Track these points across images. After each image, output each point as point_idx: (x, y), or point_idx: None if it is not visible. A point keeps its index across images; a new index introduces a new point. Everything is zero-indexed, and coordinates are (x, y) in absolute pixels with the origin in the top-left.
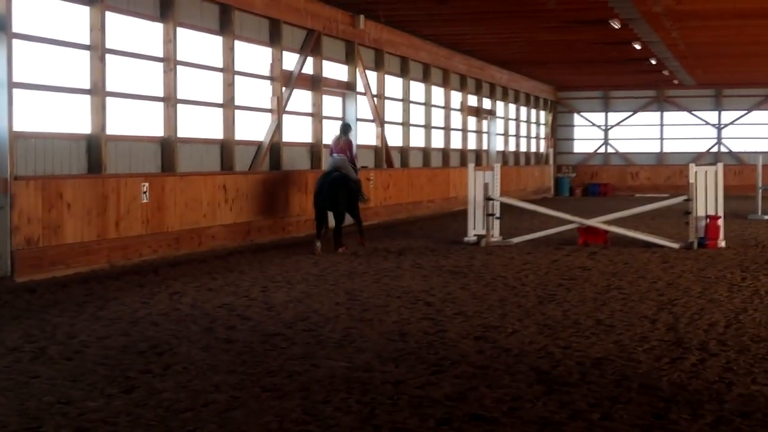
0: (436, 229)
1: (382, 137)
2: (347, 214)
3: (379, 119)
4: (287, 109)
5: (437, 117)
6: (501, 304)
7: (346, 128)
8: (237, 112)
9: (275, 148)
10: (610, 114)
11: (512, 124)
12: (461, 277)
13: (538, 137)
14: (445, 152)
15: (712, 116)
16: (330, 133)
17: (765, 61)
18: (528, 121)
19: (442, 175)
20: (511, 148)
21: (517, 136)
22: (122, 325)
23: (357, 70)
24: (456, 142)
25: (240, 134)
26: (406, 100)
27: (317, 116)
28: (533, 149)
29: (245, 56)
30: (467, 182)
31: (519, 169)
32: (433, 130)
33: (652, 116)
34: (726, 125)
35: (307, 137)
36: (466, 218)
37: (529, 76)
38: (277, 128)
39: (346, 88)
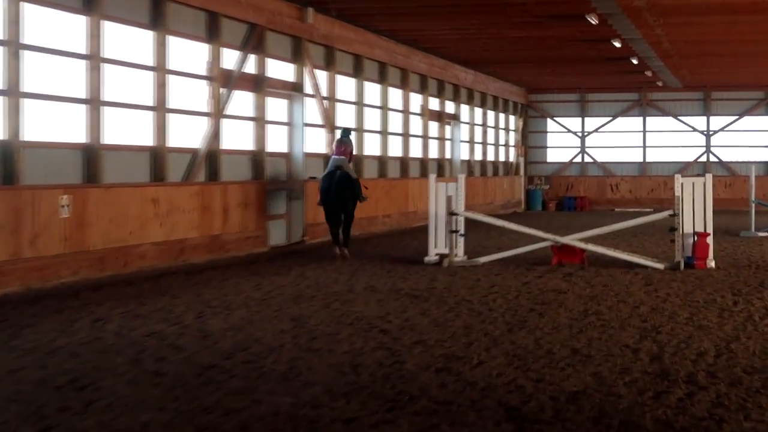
0: (393, 248)
1: (332, 143)
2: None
3: (330, 124)
4: (227, 112)
5: (395, 122)
6: (466, 332)
7: (346, 133)
8: (170, 115)
9: (213, 156)
10: (587, 119)
11: (478, 130)
12: (421, 302)
13: (507, 145)
14: (404, 161)
15: (700, 122)
16: (274, 139)
17: (758, 61)
18: (496, 127)
19: (400, 186)
20: (477, 156)
21: (484, 143)
22: (38, 356)
23: (305, 69)
24: (416, 150)
25: (173, 141)
26: (359, 103)
27: (260, 121)
28: (502, 158)
29: (179, 53)
30: (428, 195)
31: (486, 180)
32: (390, 136)
33: (634, 122)
34: (715, 132)
35: (249, 144)
36: (427, 235)
37: (497, 76)
38: (215, 134)
39: (293, 90)
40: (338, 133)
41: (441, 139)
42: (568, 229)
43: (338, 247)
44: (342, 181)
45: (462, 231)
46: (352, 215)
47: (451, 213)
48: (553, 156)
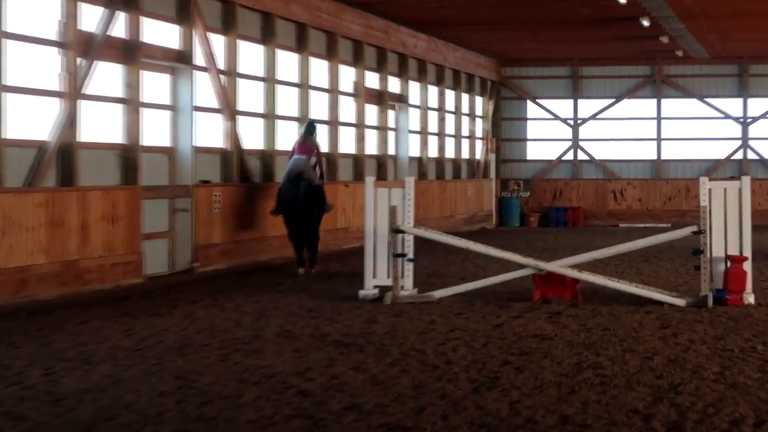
0: (315, 278)
1: (233, 136)
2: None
3: (229, 108)
4: (86, 91)
5: (318, 105)
6: (416, 393)
7: (311, 128)
8: (7, 96)
9: (67, 151)
10: (581, 102)
11: (433, 117)
12: (355, 352)
13: (472, 137)
14: (331, 160)
15: (734, 106)
16: (152, 128)
17: None
18: (457, 113)
19: (329, 195)
20: (432, 152)
21: (441, 134)
22: None
23: (195, 33)
24: (347, 144)
25: (12, 131)
26: (270, 80)
27: (133, 103)
28: (465, 155)
29: (18, 11)
30: (364, 206)
31: (444, 185)
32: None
33: (645, 106)
34: (755, 119)
35: (117, 135)
36: (362, 261)
37: (459, 43)
38: (70, 121)
39: (178, 61)
40: (302, 128)
41: (382, 128)
42: (555, 251)
43: (302, 267)
44: (310, 194)
45: (411, 255)
46: (317, 228)
47: (395, 230)
48: (536, 152)
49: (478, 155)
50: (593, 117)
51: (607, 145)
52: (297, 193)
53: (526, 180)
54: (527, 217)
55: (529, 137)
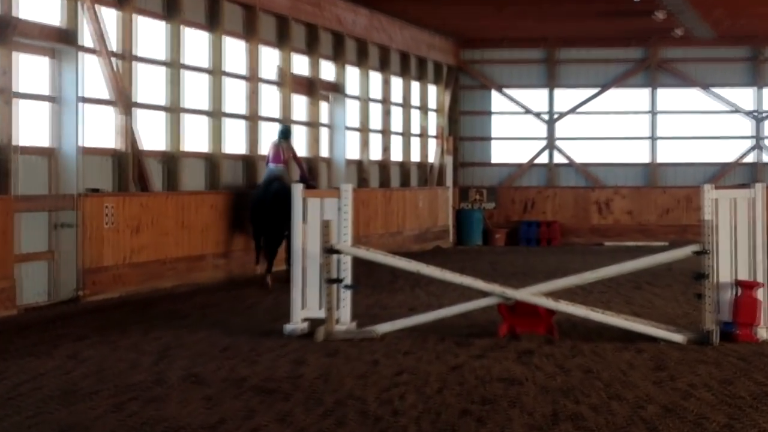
0: (231, 309)
1: (128, 132)
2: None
3: (123, 98)
4: None
5: (235, 95)
6: None
7: (286, 132)
8: None
9: None
10: (558, 92)
11: (376, 111)
12: (279, 400)
13: (424, 135)
14: (249, 162)
15: (745, 97)
16: (29, 124)
17: None
18: (406, 105)
19: (243, 205)
20: (375, 154)
21: (386, 132)
22: None
23: (81, 6)
24: (269, 144)
25: None
26: (174, 64)
27: (4, 93)
28: (416, 158)
29: None
30: (291, 219)
31: (390, 194)
32: (226, 119)
33: (637, 97)
34: None
35: None
36: (288, 288)
37: (409, 20)
38: None
39: (60, 41)
40: (275, 135)
41: (313, 125)
42: (526, 276)
43: (269, 276)
44: (279, 195)
45: (348, 280)
46: (282, 237)
47: (329, 250)
48: (502, 154)
49: (432, 158)
50: (572, 111)
51: (590, 146)
52: (266, 193)
53: (491, 188)
54: (492, 233)
55: (494, 135)
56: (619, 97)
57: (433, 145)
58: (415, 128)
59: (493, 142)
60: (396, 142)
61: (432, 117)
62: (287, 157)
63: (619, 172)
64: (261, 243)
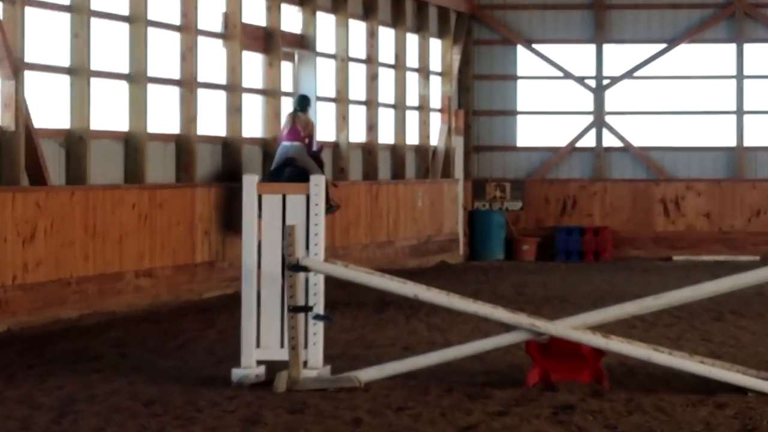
0: (159, 348)
1: (18, 105)
2: None
3: (10, 58)
4: None
5: (164, 54)
6: None
7: (303, 102)
8: None
9: None
10: (608, 49)
11: (358, 74)
12: None
13: (425, 108)
14: (185, 144)
15: None
16: None
17: None
18: (400, 67)
19: (176, 203)
20: (357, 134)
21: (371, 103)
22: None
23: None
24: (212, 119)
25: None
26: (80, 9)
27: None
28: (413, 139)
29: None
30: (242, 223)
31: (377, 188)
32: (151, 86)
33: (718, 55)
34: None
35: None
36: (238, 319)
37: None
38: None
39: None
40: (288, 104)
41: (271, 93)
42: (565, 303)
43: None
44: (293, 179)
45: (320, 308)
46: None
47: (294, 267)
48: (532, 134)
49: (435, 140)
50: (629, 75)
51: (653, 123)
52: (277, 180)
53: (516, 182)
54: (517, 244)
55: (520, 109)
56: (692, 55)
57: (436, 121)
58: (412, 99)
59: (519, 118)
60: (386, 118)
61: (435, 83)
62: (306, 133)
63: (693, 160)
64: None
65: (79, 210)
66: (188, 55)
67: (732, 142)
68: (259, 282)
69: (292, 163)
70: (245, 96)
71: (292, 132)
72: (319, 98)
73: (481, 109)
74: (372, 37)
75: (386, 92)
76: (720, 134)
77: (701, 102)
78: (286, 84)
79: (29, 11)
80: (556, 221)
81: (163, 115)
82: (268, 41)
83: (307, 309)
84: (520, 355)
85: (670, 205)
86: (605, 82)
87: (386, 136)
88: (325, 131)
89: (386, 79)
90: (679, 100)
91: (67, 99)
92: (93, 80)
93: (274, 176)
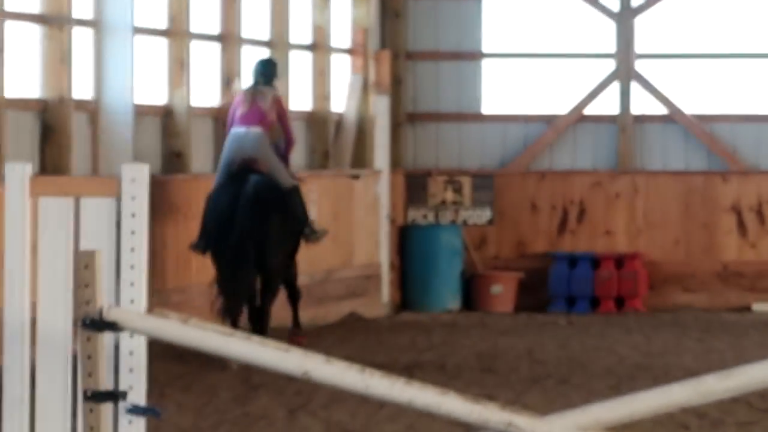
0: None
1: None
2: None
3: None
4: None
5: None
6: None
7: (268, 69)
8: None
9: None
10: None
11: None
12: None
13: (321, 47)
14: None
15: None
16: None
17: None
18: None
19: None
20: (202, 96)
21: (231, 39)
22: None
23: None
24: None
25: None
26: None
27: None
28: (302, 103)
29: None
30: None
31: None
32: None
33: None
34: None
35: None
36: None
37: None
38: None
39: None
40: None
41: (54, 22)
42: (565, 384)
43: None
44: (267, 196)
45: (141, 395)
46: (284, 270)
47: (93, 323)
48: (508, 96)
49: (340, 103)
50: None
51: (717, 75)
52: (237, 194)
53: (482, 176)
54: (483, 283)
55: (487, 50)
56: None
57: (343, 71)
58: (300, 32)
59: (486, 63)
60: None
61: (341, 4)
62: (273, 116)
63: None
64: (235, 293)
65: None
66: None
67: None
68: (34, 347)
69: (252, 162)
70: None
71: (252, 111)
72: (138, 30)
73: (420, 49)
74: None
75: (255, 21)
76: None
77: None
78: (81, 9)
79: None
80: (551, 244)
81: None
82: None
83: (117, 396)
84: None
85: (750, 216)
86: (636, 1)
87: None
88: (148, 91)
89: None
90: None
91: None
92: None
93: (228, 182)
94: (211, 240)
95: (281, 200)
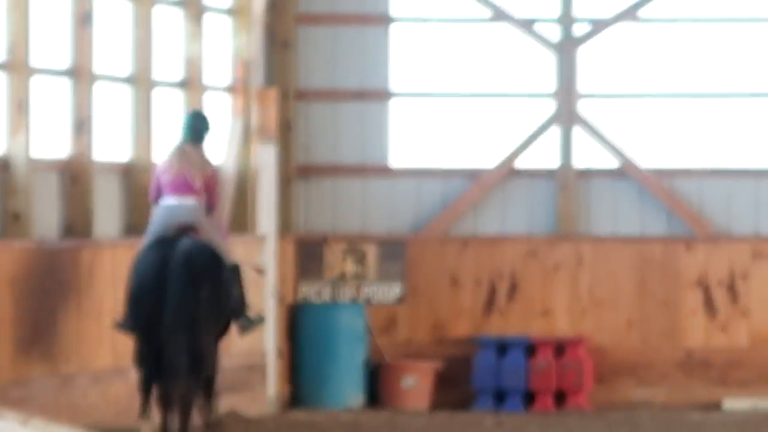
0: None
1: None
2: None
3: None
4: None
5: None
6: None
7: (198, 126)
8: None
9: None
10: None
11: (59, 9)
12: None
13: (193, 84)
14: None
15: None
16: None
17: None
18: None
19: None
20: (44, 144)
21: (82, 73)
22: None
23: None
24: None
25: None
26: None
27: None
28: (148, 152)
29: None
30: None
31: (95, 254)
32: None
33: None
34: None
35: None
36: None
37: None
38: None
39: None
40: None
41: None
42: None
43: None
44: (192, 262)
45: None
46: (213, 356)
47: None
48: (422, 144)
49: (217, 153)
50: (627, 16)
51: (677, 116)
52: (163, 261)
53: (390, 243)
54: (392, 374)
55: (396, 89)
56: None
57: (221, 113)
58: (173, 69)
59: (393, 103)
60: (109, 103)
61: (220, 30)
62: (203, 183)
63: (763, 195)
64: (156, 374)
65: None
66: None
67: None
68: None
69: (188, 227)
70: None
71: (180, 182)
72: None
73: (315, 87)
74: None
75: (113, 53)
76: None
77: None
78: None
79: None
80: (476, 327)
81: None
82: None
83: None
84: None
85: (720, 292)
86: (577, 30)
87: (108, 145)
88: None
89: (111, 19)
90: (721, 72)
91: None
92: None
93: (162, 245)
94: (141, 317)
95: (217, 267)
